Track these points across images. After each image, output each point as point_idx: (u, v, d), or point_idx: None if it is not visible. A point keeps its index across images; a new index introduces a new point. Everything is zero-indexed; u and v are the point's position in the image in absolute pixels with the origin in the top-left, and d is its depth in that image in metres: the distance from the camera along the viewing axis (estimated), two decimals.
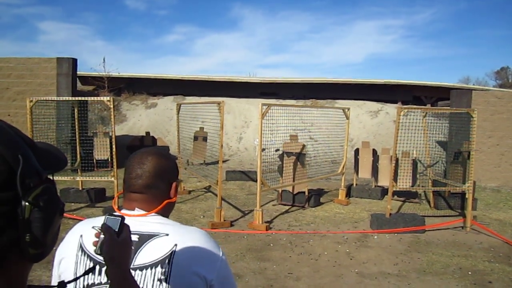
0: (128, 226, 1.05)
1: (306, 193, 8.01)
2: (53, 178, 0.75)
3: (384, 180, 8.64)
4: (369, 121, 17.70)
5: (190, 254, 1.21)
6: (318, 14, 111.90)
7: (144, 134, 15.38)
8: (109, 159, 10.81)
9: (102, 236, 1.08)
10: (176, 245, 1.20)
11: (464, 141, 7.53)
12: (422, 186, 8.60)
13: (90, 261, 1.19)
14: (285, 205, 8.01)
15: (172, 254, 1.19)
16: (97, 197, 7.87)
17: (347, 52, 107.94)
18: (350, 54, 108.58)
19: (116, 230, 1.01)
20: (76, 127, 8.18)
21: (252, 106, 17.86)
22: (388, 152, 8.83)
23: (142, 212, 1.27)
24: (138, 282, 1.15)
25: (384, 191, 8.75)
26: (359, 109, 18.10)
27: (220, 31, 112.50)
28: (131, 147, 15.06)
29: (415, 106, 11.72)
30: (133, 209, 1.28)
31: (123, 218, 1.03)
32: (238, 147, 16.75)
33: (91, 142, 10.53)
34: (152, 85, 20.30)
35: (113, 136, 6.84)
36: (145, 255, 1.20)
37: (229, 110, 18.15)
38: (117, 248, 0.99)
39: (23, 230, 0.64)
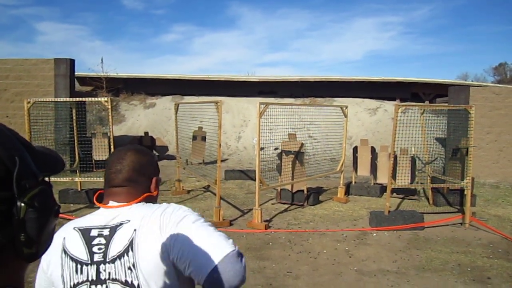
0: None
1: (305, 192, 8.02)
2: (49, 180, 0.77)
3: (383, 177, 8.65)
4: (367, 119, 17.71)
5: (147, 234, 1.21)
6: (317, 11, 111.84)
7: (143, 134, 15.40)
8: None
9: None
10: (135, 230, 1.22)
11: (462, 137, 7.54)
12: (421, 183, 8.61)
13: (73, 262, 1.23)
14: (284, 203, 8.02)
15: (133, 240, 1.21)
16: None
17: (345, 50, 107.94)
18: (349, 51, 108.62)
19: None
20: (74, 128, 8.18)
21: (251, 105, 17.85)
22: (387, 149, 8.83)
23: (117, 204, 1.30)
24: (113, 275, 1.20)
25: (383, 189, 8.75)
26: (358, 106, 18.11)
27: (218, 30, 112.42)
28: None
29: (413, 103, 11.74)
30: (118, 203, 1.30)
31: None
32: (237, 146, 16.75)
33: (90, 142, 10.51)
34: (151, 85, 20.29)
35: (111, 137, 6.83)
36: (114, 247, 1.22)
37: (228, 109, 18.15)
38: None
39: (17, 229, 0.65)
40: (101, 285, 1.21)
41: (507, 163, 11.18)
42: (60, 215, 0.77)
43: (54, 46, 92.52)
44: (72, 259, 1.23)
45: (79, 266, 1.23)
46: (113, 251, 1.22)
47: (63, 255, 1.25)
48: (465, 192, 6.88)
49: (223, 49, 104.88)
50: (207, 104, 7.92)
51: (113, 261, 1.21)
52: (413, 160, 8.27)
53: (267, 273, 4.72)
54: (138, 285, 1.18)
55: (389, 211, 6.65)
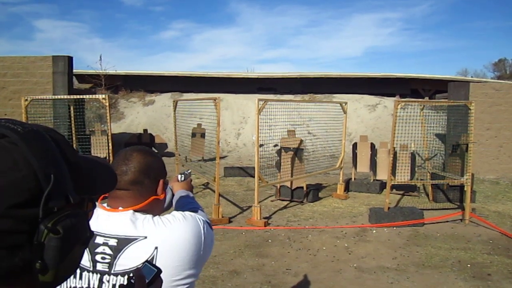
0: (161, 281, 1.02)
1: (305, 188, 8.00)
2: (94, 201, 0.71)
3: (383, 174, 8.62)
4: (367, 115, 17.68)
5: (174, 257, 1.20)
6: (315, 8, 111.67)
7: (142, 132, 15.37)
8: (107, 157, 10.77)
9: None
10: (156, 248, 1.19)
11: (462, 133, 7.51)
12: (421, 179, 8.59)
13: None
14: (283, 200, 7.99)
15: (154, 257, 1.18)
16: None
17: (345, 46, 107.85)
18: (348, 48, 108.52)
19: (147, 280, 0.97)
20: (72, 125, 8.15)
21: (250, 101, 17.80)
22: (386, 145, 8.80)
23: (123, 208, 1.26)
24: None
25: (382, 185, 8.73)
26: (357, 103, 18.08)
27: (217, 26, 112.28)
28: (129, 145, 15.00)
29: (412, 99, 11.69)
30: (117, 208, 1.27)
31: (159, 271, 1.00)
32: (236, 143, 16.72)
33: (89, 140, 10.48)
34: (150, 82, 20.25)
35: (109, 134, 6.80)
36: (125, 261, 1.19)
37: (227, 106, 18.12)
38: None
39: (35, 255, 0.59)
40: None
41: (507, 159, 11.16)
42: None
43: (52, 44, 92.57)
44: None
45: (78, 271, 1.20)
46: (123, 264, 1.19)
47: None
48: (465, 188, 6.86)
49: (222, 46, 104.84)
50: (206, 101, 7.89)
51: (122, 274, 1.18)
52: (412, 156, 8.24)
53: (266, 270, 4.70)
54: None
55: (388, 208, 6.63)
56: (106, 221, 1.24)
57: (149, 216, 1.26)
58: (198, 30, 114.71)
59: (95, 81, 18.72)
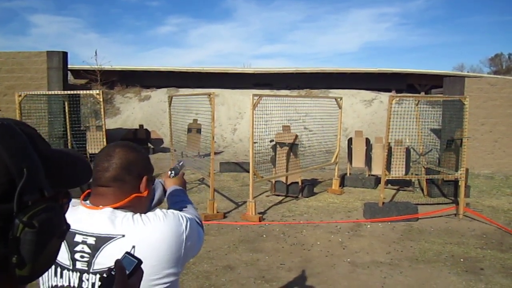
0: (142, 272, 1.01)
1: (300, 184, 8.00)
2: (69, 194, 0.69)
3: (378, 169, 8.64)
4: (363, 110, 17.69)
5: (152, 256, 1.19)
6: (312, 3, 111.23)
7: (138, 127, 15.33)
8: None
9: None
10: (134, 247, 1.18)
11: (457, 128, 7.53)
12: (416, 174, 8.61)
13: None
14: (278, 195, 8.00)
15: None
16: None
17: (342, 41, 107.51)
18: (345, 43, 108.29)
19: (128, 272, 0.97)
20: (67, 121, 8.11)
21: (246, 97, 17.73)
22: (382, 140, 8.81)
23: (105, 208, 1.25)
24: (96, 286, 1.18)
25: (378, 180, 8.75)
26: (353, 98, 18.08)
27: (213, 21, 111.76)
28: (125, 140, 15.00)
29: (407, 95, 11.70)
30: (98, 206, 1.25)
31: (139, 262, 0.99)
32: (232, 139, 16.72)
33: (84, 136, 10.45)
34: (145, 77, 20.18)
35: (104, 130, 6.78)
36: (103, 260, 1.18)
37: (223, 101, 18.09)
38: None
39: (11, 249, 0.58)
40: None
41: (501, 154, 11.20)
42: None
43: (48, 39, 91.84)
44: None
45: (59, 270, 1.21)
46: (100, 263, 1.18)
47: None
48: (459, 183, 6.88)
49: (219, 41, 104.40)
50: (202, 96, 7.87)
51: (100, 273, 1.17)
52: (407, 152, 8.26)
53: (260, 266, 4.71)
54: None
55: (383, 203, 6.65)
56: (86, 219, 1.23)
57: (129, 214, 1.24)
58: (194, 25, 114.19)
59: (91, 77, 18.65)
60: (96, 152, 10.47)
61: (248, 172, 7.68)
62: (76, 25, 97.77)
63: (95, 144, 10.19)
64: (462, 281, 4.38)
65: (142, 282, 1.05)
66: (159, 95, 18.91)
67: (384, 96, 17.71)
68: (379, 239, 5.69)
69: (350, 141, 9.39)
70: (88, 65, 19.05)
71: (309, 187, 8.19)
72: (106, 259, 1.17)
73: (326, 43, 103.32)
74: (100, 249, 1.19)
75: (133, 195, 1.28)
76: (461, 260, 4.98)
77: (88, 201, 1.29)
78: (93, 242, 1.20)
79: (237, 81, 19.97)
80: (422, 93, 19.04)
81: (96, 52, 19.45)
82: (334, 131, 9.01)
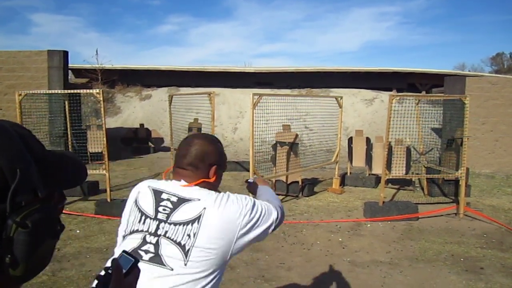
0: (138, 271, 1.01)
1: (300, 183, 8.00)
2: (64, 195, 0.70)
3: (378, 168, 8.63)
4: (364, 110, 17.67)
5: (215, 217, 1.47)
6: (313, 2, 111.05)
7: (138, 126, 15.34)
8: (102, 152, 10.74)
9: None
10: (205, 208, 1.47)
11: (458, 127, 7.51)
12: (416, 174, 8.60)
13: (139, 213, 1.53)
14: (278, 195, 7.99)
15: (201, 216, 1.46)
16: (90, 190, 7.83)
17: (342, 40, 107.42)
18: (346, 42, 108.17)
19: (124, 271, 0.97)
20: (67, 120, 8.12)
21: (247, 96, 17.68)
22: (382, 140, 8.80)
23: (185, 183, 1.57)
24: (169, 234, 1.46)
25: (378, 179, 8.74)
26: (354, 97, 18.07)
27: (214, 20, 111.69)
28: (125, 140, 15.02)
29: (408, 94, 11.69)
30: (180, 181, 1.58)
31: (136, 261, 0.99)
32: (233, 138, 16.72)
33: (85, 135, 10.46)
34: (146, 76, 20.19)
35: (104, 129, 6.78)
36: (180, 214, 1.48)
37: (224, 100, 18.09)
38: None
39: (4, 250, 0.59)
40: (156, 237, 1.47)
41: (502, 153, 11.18)
42: None
43: (49, 38, 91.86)
44: (140, 210, 1.54)
45: (143, 218, 1.51)
46: (177, 216, 1.48)
47: (134, 205, 1.57)
48: (460, 183, 6.87)
49: (220, 40, 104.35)
50: (202, 95, 7.86)
51: (175, 224, 1.46)
52: (408, 151, 8.25)
53: (260, 265, 4.70)
54: (188, 249, 1.42)
55: (383, 202, 6.64)
56: (171, 185, 1.57)
57: (204, 189, 1.56)
58: (195, 24, 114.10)
59: (92, 76, 18.66)
60: (97, 151, 10.55)
61: (249, 171, 7.68)
62: (77, 24, 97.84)
63: (95, 143, 10.20)
64: (462, 280, 4.38)
65: (202, 241, 1.40)
66: (160, 94, 18.91)
67: (385, 95, 17.69)
68: (379, 239, 5.68)
69: (350, 140, 9.38)
70: (89, 64, 19.06)
71: (309, 186, 8.19)
72: (182, 215, 1.48)
73: (327, 42, 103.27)
74: (179, 207, 1.50)
75: (202, 179, 1.57)
76: (461, 259, 4.97)
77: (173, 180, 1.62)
78: (175, 200, 1.51)
79: (238, 80, 19.96)
80: (423, 92, 19.01)
81: (97, 51, 19.51)
82: (335, 130, 9.00)
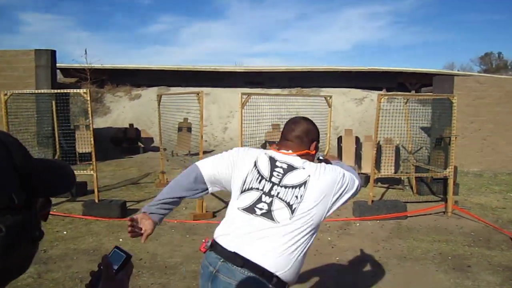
0: (131, 266, 1.00)
1: None
2: (50, 201, 0.72)
3: (368, 167, 8.65)
4: (354, 109, 17.74)
5: (318, 182, 1.83)
6: (304, 1, 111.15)
7: (128, 126, 15.23)
8: (91, 152, 10.65)
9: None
10: (309, 176, 1.84)
11: (446, 126, 7.57)
12: (406, 173, 8.64)
13: (258, 174, 1.88)
14: None
15: (307, 181, 1.82)
16: (78, 191, 7.74)
17: (334, 40, 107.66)
18: (338, 41, 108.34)
19: (116, 267, 0.95)
20: (55, 120, 8.03)
21: (237, 96, 17.67)
22: (371, 139, 8.83)
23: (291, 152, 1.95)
24: (280, 195, 1.81)
25: (367, 178, 8.74)
26: (344, 96, 18.12)
27: (205, 20, 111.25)
28: (115, 139, 14.92)
29: (396, 93, 11.75)
30: (288, 150, 1.95)
31: (128, 257, 0.97)
32: (223, 137, 16.69)
33: (73, 135, 10.37)
34: (136, 76, 20.06)
35: (91, 129, 6.72)
36: (290, 179, 1.84)
37: (214, 100, 18.05)
38: (110, 287, 0.94)
39: None
40: (270, 197, 1.81)
41: (490, 151, 11.29)
42: None
43: (38, 37, 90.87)
44: (258, 172, 1.88)
45: (259, 178, 1.86)
46: (287, 181, 1.83)
47: (253, 166, 1.90)
48: (448, 181, 6.92)
49: (211, 40, 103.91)
50: (192, 95, 7.82)
51: (285, 187, 1.82)
52: (397, 150, 8.29)
53: None
54: (295, 208, 1.78)
55: (372, 201, 6.66)
56: (282, 156, 1.93)
57: (305, 159, 1.92)
58: (186, 24, 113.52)
59: (81, 75, 18.48)
60: (86, 151, 10.46)
61: None
62: (66, 23, 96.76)
63: (84, 143, 10.12)
64: (449, 278, 4.40)
65: (310, 200, 1.79)
66: (150, 94, 18.80)
67: (375, 95, 17.74)
68: (368, 238, 5.70)
69: (340, 139, 9.40)
70: (78, 64, 18.89)
71: None
72: (291, 179, 1.84)
73: (318, 41, 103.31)
74: (289, 172, 1.86)
75: (305, 151, 1.96)
76: (449, 257, 5.00)
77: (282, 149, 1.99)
78: (286, 167, 1.87)
79: (228, 79, 19.93)
80: (413, 92, 19.12)
81: (86, 51, 19.23)
82: (324, 130, 9.00)
